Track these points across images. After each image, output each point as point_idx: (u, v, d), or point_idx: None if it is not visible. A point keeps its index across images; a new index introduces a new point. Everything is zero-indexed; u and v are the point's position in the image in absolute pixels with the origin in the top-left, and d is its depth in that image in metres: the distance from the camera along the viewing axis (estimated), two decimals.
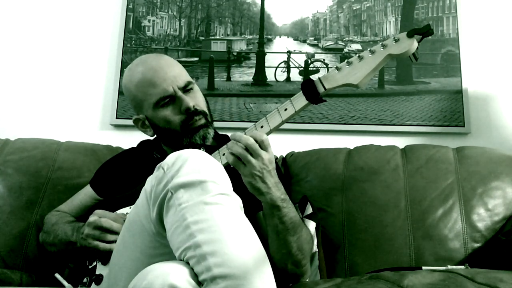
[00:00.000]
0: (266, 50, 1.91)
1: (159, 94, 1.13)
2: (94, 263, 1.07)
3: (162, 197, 0.79)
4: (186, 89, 1.17)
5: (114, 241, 1.04)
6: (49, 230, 1.24)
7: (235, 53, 1.92)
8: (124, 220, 1.06)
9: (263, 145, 0.94)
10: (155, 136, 1.25)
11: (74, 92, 1.87)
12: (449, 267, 1.15)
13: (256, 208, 1.09)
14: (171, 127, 1.16)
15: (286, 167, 1.57)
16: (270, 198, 0.95)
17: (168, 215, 0.78)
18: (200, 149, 0.90)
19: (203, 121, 1.17)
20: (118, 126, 1.83)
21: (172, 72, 1.15)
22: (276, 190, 0.95)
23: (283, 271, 1.00)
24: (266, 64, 1.90)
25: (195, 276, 0.71)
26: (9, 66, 1.90)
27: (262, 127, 1.02)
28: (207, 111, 1.20)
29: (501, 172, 1.40)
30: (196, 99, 1.18)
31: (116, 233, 1.04)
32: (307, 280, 1.11)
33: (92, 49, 1.91)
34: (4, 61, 1.91)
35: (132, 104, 1.22)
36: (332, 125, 1.79)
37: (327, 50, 1.94)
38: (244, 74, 1.89)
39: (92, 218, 1.07)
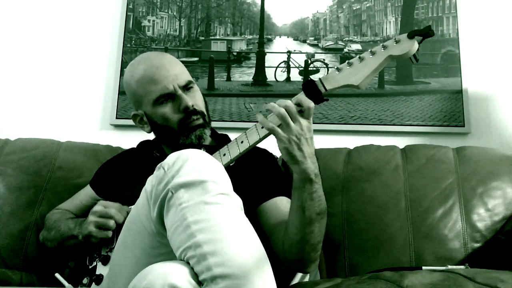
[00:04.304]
0: (266, 50, 1.92)
1: (159, 91, 1.15)
2: (94, 263, 1.07)
3: (163, 197, 0.79)
4: (186, 88, 1.18)
5: (111, 229, 1.06)
6: (50, 226, 1.24)
7: (235, 53, 1.92)
8: (127, 212, 1.07)
9: (307, 112, 0.92)
10: (153, 133, 1.26)
11: (74, 92, 1.88)
12: (449, 267, 1.15)
13: (256, 202, 1.09)
14: (168, 125, 1.17)
15: (286, 167, 1.56)
16: (304, 169, 0.90)
17: (168, 214, 0.78)
18: (200, 149, 0.90)
19: (200, 121, 1.18)
20: (118, 126, 1.83)
21: (173, 70, 1.17)
22: (311, 162, 0.91)
23: (298, 255, 0.96)
24: (266, 64, 1.90)
25: (195, 275, 0.71)
26: (9, 66, 1.90)
27: (262, 127, 1.02)
28: (205, 112, 1.21)
29: (501, 172, 1.41)
30: (196, 99, 1.19)
31: (118, 223, 1.06)
32: (307, 278, 1.11)
33: (92, 49, 1.91)
34: (4, 61, 1.91)
35: (132, 100, 1.23)
36: (332, 125, 1.80)
37: (327, 50, 1.94)
38: (244, 74, 1.89)
39: (97, 207, 1.09)
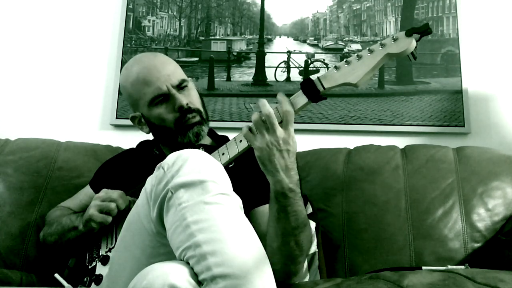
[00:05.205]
0: (266, 50, 1.91)
1: (153, 93, 1.16)
2: (94, 263, 1.07)
3: (162, 197, 0.79)
4: (180, 87, 1.18)
5: (112, 214, 1.07)
6: (51, 221, 1.25)
7: (235, 53, 1.92)
8: (130, 201, 1.08)
9: (284, 119, 0.90)
10: (152, 133, 1.26)
11: (74, 92, 1.88)
12: (449, 267, 1.15)
13: (250, 205, 1.08)
14: (165, 125, 1.18)
15: None
16: (275, 181, 0.89)
17: (168, 214, 0.78)
18: (199, 148, 0.90)
19: (197, 118, 1.18)
20: (118, 126, 1.83)
21: (165, 70, 1.17)
22: (285, 175, 0.89)
23: (278, 265, 0.94)
24: (266, 64, 1.90)
25: (195, 275, 0.71)
26: (9, 66, 1.90)
27: None
28: (201, 109, 1.21)
29: (501, 172, 1.40)
30: (191, 97, 1.19)
31: (119, 208, 1.07)
32: (307, 279, 1.11)
33: (92, 49, 1.91)
34: (4, 61, 1.91)
35: (129, 102, 1.25)
36: (332, 125, 1.79)
37: (327, 50, 1.94)
38: (244, 74, 1.89)
39: (100, 193, 1.10)
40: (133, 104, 1.22)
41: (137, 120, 1.24)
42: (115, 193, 1.09)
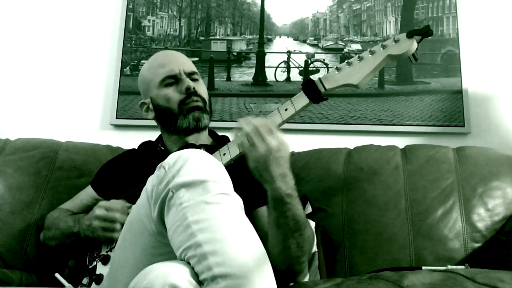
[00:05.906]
0: (266, 50, 1.92)
1: (166, 73, 1.24)
2: (94, 263, 1.07)
3: (163, 197, 0.80)
4: (191, 76, 1.26)
5: (117, 231, 1.07)
6: (50, 225, 1.25)
7: (235, 53, 1.92)
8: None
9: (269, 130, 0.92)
10: (156, 120, 1.29)
11: (74, 92, 1.88)
12: (449, 267, 1.15)
13: (253, 205, 1.08)
14: (170, 107, 1.22)
15: None
16: (273, 188, 0.91)
17: (169, 214, 0.78)
18: (200, 149, 0.90)
19: (200, 103, 1.23)
20: (118, 126, 1.83)
21: (181, 59, 1.30)
22: (281, 182, 0.91)
23: (282, 266, 0.96)
24: (266, 64, 1.90)
25: (195, 275, 0.71)
26: (9, 66, 1.90)
27: None
28: (206, 100, 1.27)
29: (501, 172, 1.40)
30: (199, 86, 1.26)
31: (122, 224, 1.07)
32: (307, 278, 1.11)
33: (92, 49, 1.91)
34: (4, 61, 1.91)
35: (142, 89, 1.32)
36: (332, 125, 1.79)
37: (327, 50, 1.94)
38: (244, 74, 1.89)
39: (100, 212, 1.09)
40: (145, 88, 1.29)
41: (145, 107, 1.29)
42: (117, 213, 1.09)
